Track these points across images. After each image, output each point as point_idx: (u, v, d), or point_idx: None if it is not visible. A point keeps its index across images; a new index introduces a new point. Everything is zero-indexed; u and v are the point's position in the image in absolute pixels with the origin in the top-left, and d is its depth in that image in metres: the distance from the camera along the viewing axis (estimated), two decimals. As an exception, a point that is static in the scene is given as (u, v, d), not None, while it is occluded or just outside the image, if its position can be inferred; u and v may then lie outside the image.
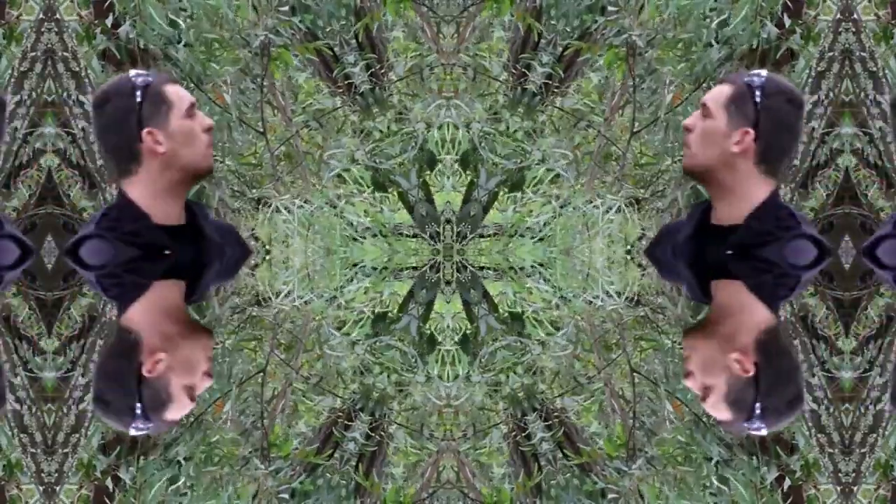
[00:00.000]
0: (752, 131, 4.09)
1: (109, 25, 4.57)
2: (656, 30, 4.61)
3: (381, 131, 4.64)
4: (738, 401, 2.87)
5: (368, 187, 4.65)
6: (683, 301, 4.08)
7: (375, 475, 2.71)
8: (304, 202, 4.64)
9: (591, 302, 4.14)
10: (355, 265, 4.59)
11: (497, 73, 4.63)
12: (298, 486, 2.66)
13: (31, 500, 2.85)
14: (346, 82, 4.63)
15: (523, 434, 2.84)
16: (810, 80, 4.61)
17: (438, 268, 4.58)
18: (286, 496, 2.64)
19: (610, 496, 2.67)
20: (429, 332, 3.64)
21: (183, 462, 2.71)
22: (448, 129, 4.63)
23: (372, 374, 3.16)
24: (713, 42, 4.60)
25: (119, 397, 2.91)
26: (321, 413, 2.90)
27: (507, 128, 4.64)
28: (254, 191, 4.64)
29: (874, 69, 4.62)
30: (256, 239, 4.65)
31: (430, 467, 2.84)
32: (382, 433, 2.82)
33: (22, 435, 2.86)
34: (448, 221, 4.64)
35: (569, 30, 4.62)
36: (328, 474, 2.68)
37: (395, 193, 4.65)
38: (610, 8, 4.61)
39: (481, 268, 4.58)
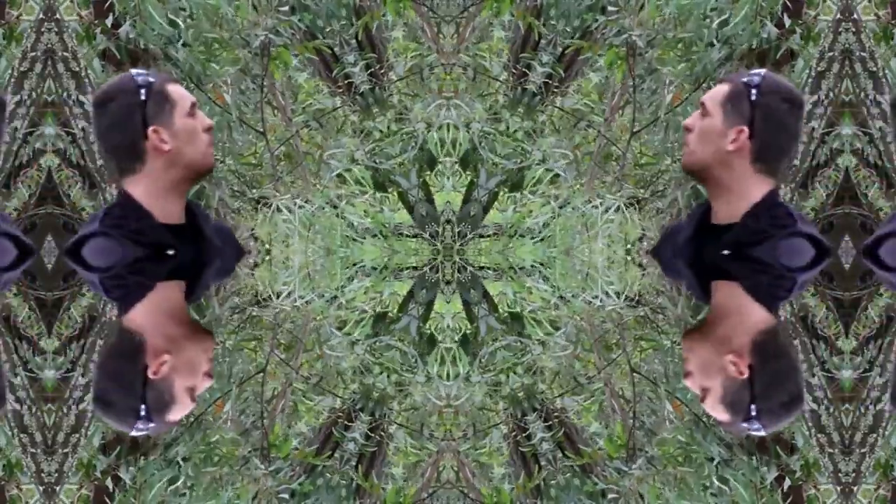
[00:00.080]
0: (746, 129, 4.09)
1: (109, 25, 4.57)
2: (656, 30, 4.61)
3: (381, 131, 4.64)
4: (734, 402, 2.87)
5: (370, 188, 4.65)
6: (683, 301, 4.08)
7: (375, 475, 2.71)
8: (305, 202, 4.64)
9: (590, 302, 4.14)
10: (355, 265, 4.59)
11: (497, 73, 4.63)
12: (298, 487, 2.66)
13: (31, 500, 2.85)
14: (346, 82, 4.63)
15: (523, 434, 2.84)
16: (810, 80, 4.61)
17: (438, 268, 4.58)
18: (286, 496, 2.64)
19: (610, 496, 2.67)
20: (429, 332, 3.64)
21: (183, 462, 2.72)
22: (448, 131, 4.63)
23: (372, 374, 3.16)
24: (713, 42, 4.60)
25: (123, 398, 2.91)
26: (321, 413, 2.90)
27: (507, 128, 4.64)
28: (254, 191, 4.65)
29: (874, 69, 4.62)
30: (256, 239, 4.65)
31: (430, 467, 2.84)
32: (382, 433, 2.82)
33: (22, 435, 2.86)
34: (448, 221, 4.64)
35: (569, 30, 4.62)
36: (328, 474, 2.68)
37: (395, 193, 4.65)
38: (610, 8, 4.61)
39: (481, 268, 4.58)
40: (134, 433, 2.75)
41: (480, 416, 2.94)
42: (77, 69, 4.58)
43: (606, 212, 4.64)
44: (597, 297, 4.24)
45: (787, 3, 4.60)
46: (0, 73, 4.58)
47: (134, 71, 4.14)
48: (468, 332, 3.66)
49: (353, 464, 2.72)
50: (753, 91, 4.10)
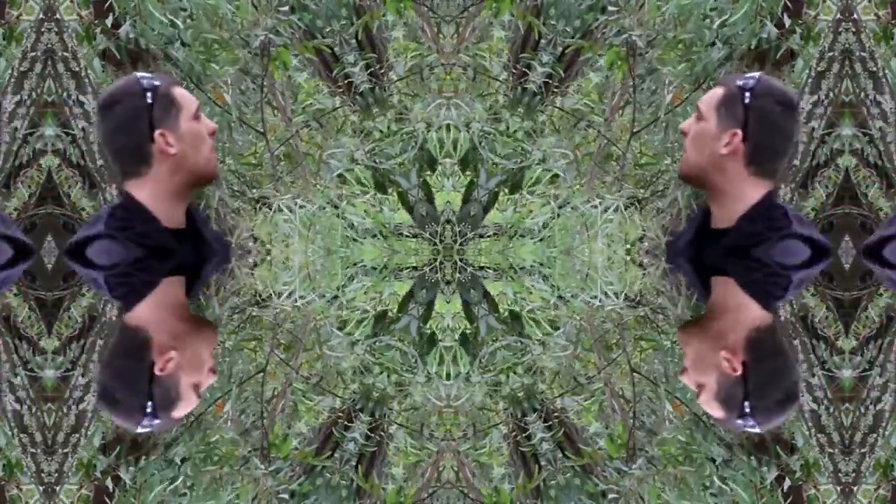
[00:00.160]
0: (740, 132, 4.09)
1: (109, 25, 4.57)
2: (656, 30, 4.61)
3: (381, 131, 4.64)
4: (727, 399, 2.88)
5: (370, 188, 4.65)
6: (683, 301, 4.09)
7: (375, 475, 2.71)
8: (305, 202, 4.64)
9: (589, 302, 4.14)
10: (355, 265, 4.59)
11: (497, 73, 4.63)
12: (298, 487, 2.66)
13: (31, 500, 2.84)
14: (346, 82, 4.63)
15: (523, 434, 2.84)
16: (810, 80, 4.61)
17: (438, 268, 4.58)
18: (286, 496, 2.64)
19: (610, 496, 2.67)
20: (429, 332, 3.64)
21: (182, 462, 2.72)
22: (448, 131, 4.63)
23: (372, 374, 3.16)
24: (713, 42, 4.60)
25: (129, 396, 2.91)
26: (321, 413, 2.90)
27: (507, 128, 4.64)
28: (254, 191, 4.65)
29: (874, 69, 4.62)
30: (256, 239, 4.65)
31: (430, 467, 2.84)
32: (382, 433, 2.82)
33: (22, 435, 2.86)
34: (448, 221, 4.64)
35: (569, 29, 4.62)
36: (328, 475, 2.68)
37: (395, 193, 4.65)
38: (610, 7, 4.61)
39: (481, 268, 4.58)
40: (140, 430, 2.75)
41: (480, 416, 2.94)
42: (77, 69, 4.58)
43: (606, 212, 4.65)
44: (596, 296, 4.24)
45: (787, 3, 4.60)
46: (0, 73, 4.58)
47: (139, 74, 4.15)
48: (468, 331, 3.66)
49: (353, 464, 2.72)
50: (747, 94, 4.11)
